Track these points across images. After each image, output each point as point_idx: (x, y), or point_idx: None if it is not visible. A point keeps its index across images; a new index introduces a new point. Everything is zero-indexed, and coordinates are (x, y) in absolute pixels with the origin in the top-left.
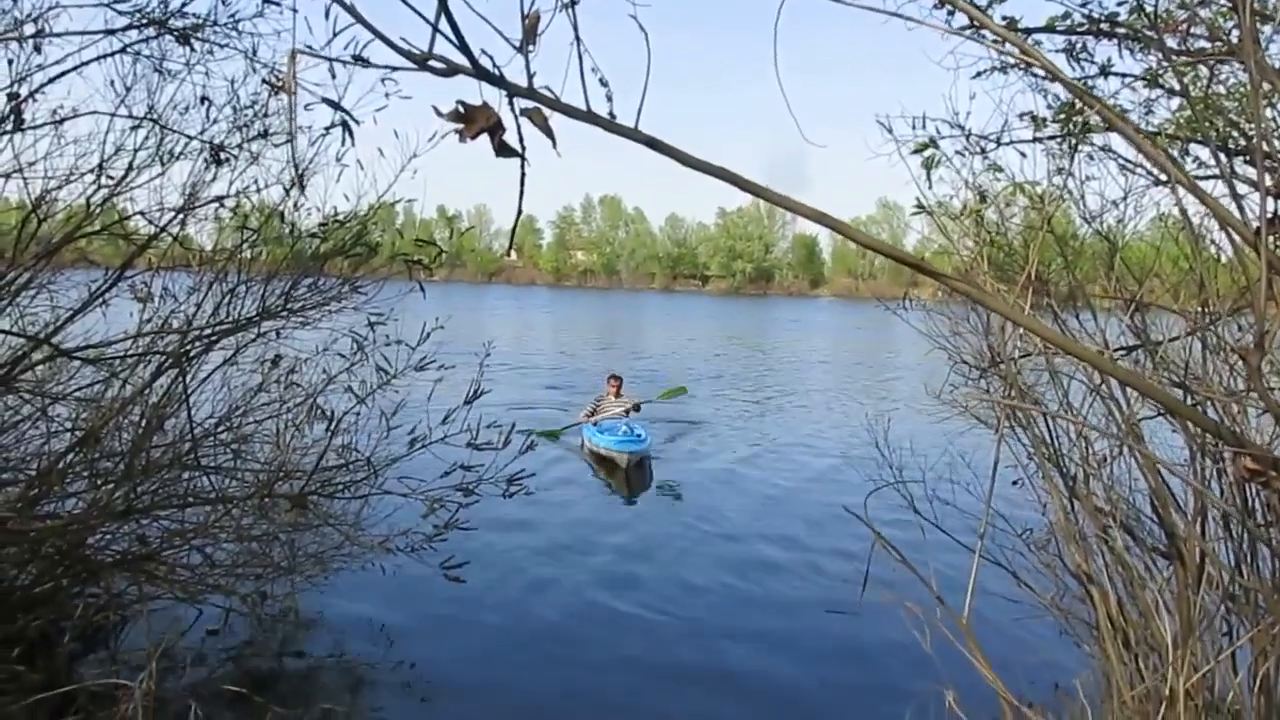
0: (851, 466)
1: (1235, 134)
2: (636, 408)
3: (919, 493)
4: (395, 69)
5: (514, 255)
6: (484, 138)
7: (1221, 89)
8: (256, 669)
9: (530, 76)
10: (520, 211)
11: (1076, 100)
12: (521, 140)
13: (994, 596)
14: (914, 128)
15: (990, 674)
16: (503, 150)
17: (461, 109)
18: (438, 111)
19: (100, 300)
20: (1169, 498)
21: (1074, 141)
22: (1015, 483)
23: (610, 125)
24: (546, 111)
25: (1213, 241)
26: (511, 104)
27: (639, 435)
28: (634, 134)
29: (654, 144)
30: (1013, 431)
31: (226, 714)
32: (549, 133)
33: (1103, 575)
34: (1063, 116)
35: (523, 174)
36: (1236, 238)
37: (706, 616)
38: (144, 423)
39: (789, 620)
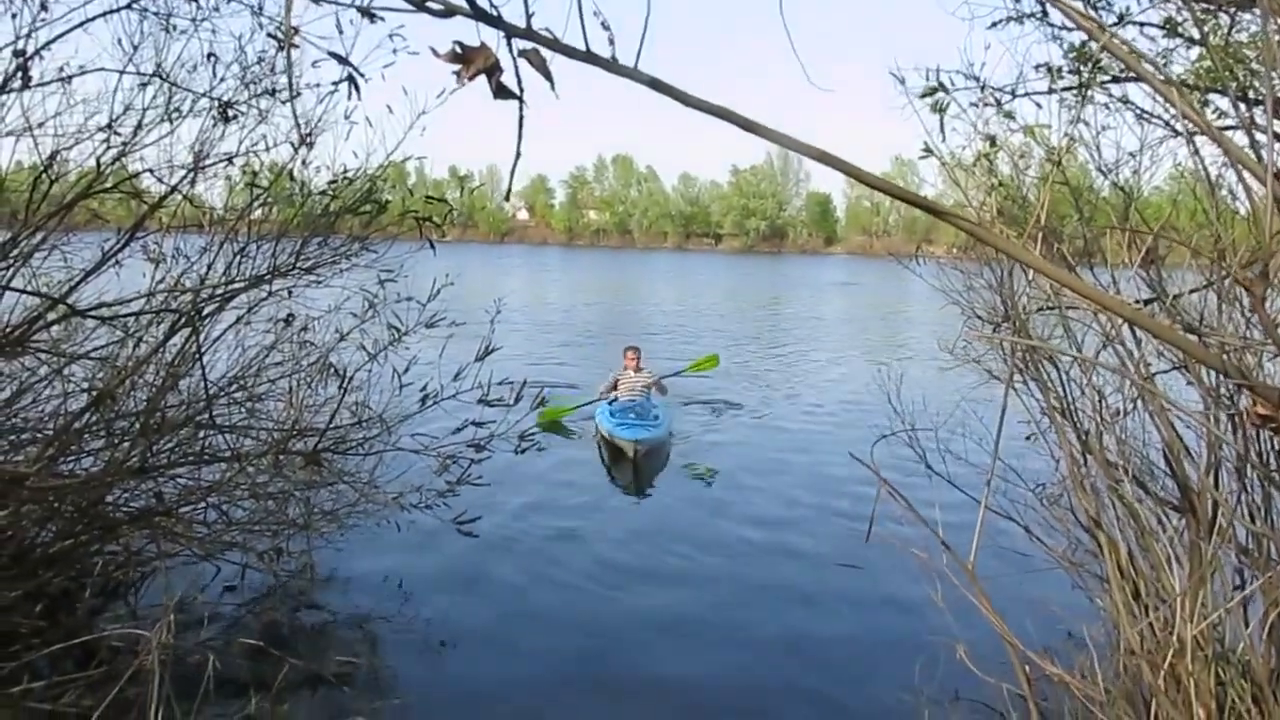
0: (864, 423)
1: (1256, 83)
2: (661, 388)
3: (931, 447)
4: (393, 10)
5: (513, 201)
6: (481, 80)
7: (1243, 36)
8: (273, 624)
9: (529, 17)
10: (519, 154)
11: (1093, 45)
12: (520, 82)
13: (1006, 551)
14: (927, 79)
15: (995, 618)
16: (500, 92)
17: (459, 50)
18: (435, 53)
19: (113, 261)
20: (1182, 450)
21: (1087, 85)
22: (1028, 438)
23: (610, 65)
24: (545, 53)
25: (1230, 193)
26: (509, 45)
27: (655, 417)
28: (634, 74)
29: (655, 84)
30: (1025, 386)
31: (244, 667)
32: (547, 74)
33: (1114, 528)
34: (1078, 64)
35: (520, 116)
36: (1254, 185)
37: (718, 570)
38: (159, 382)
39: (798, 574)
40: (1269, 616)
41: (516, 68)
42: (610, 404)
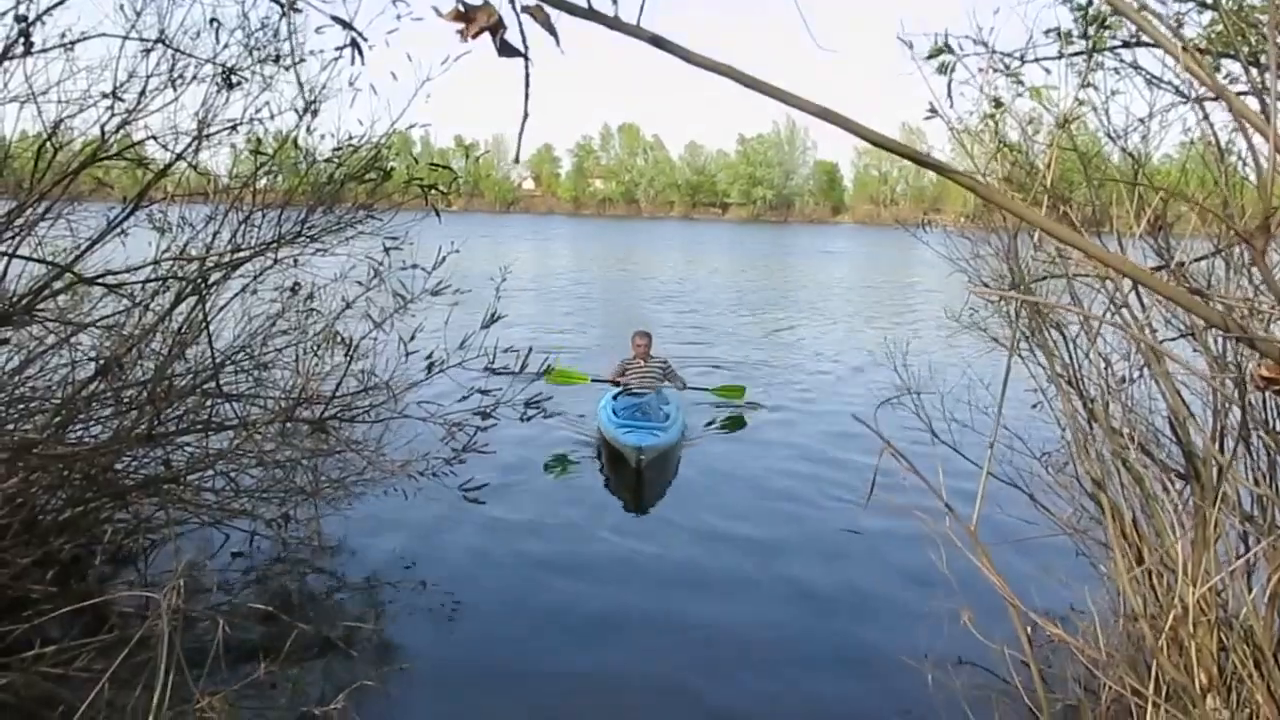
0: (868, 390)
1: (1267, 48)
2: (676, 379)
3: (935, 414)
4: None
5: (519, 171)
6: (486, 40)
7: (1256, 0)
8: (282, 589)
9: None
10: (527, 114)
11: (1103, 7)
12: (524, 40)
13: (1009, 518)
14: (935, 44)
15: (997, 579)
16: (505, 50)
17: (462, 8)
18: (438, 12)
19: (119, 229)
20: (1187, 416)
21: (1097, 49)
22: (1034, 405)
23: (613, 23)
24: (549, 9)
25: (1240, 159)
26: (512, 2)
27: (666, 417)
28: (636, 31)
29: (657, 41)
30: (1031, 354)
31: (253, 632)
32: (552, 30)
33: (1118, 495)
34: (1087, 27)
35: (526, 75)
36: (1261, 146)
37: (722, 535)
38: (166, 350)
39: (800, 540)
40: (1271, 581)
41: (520, 25)
42: (615, 398)
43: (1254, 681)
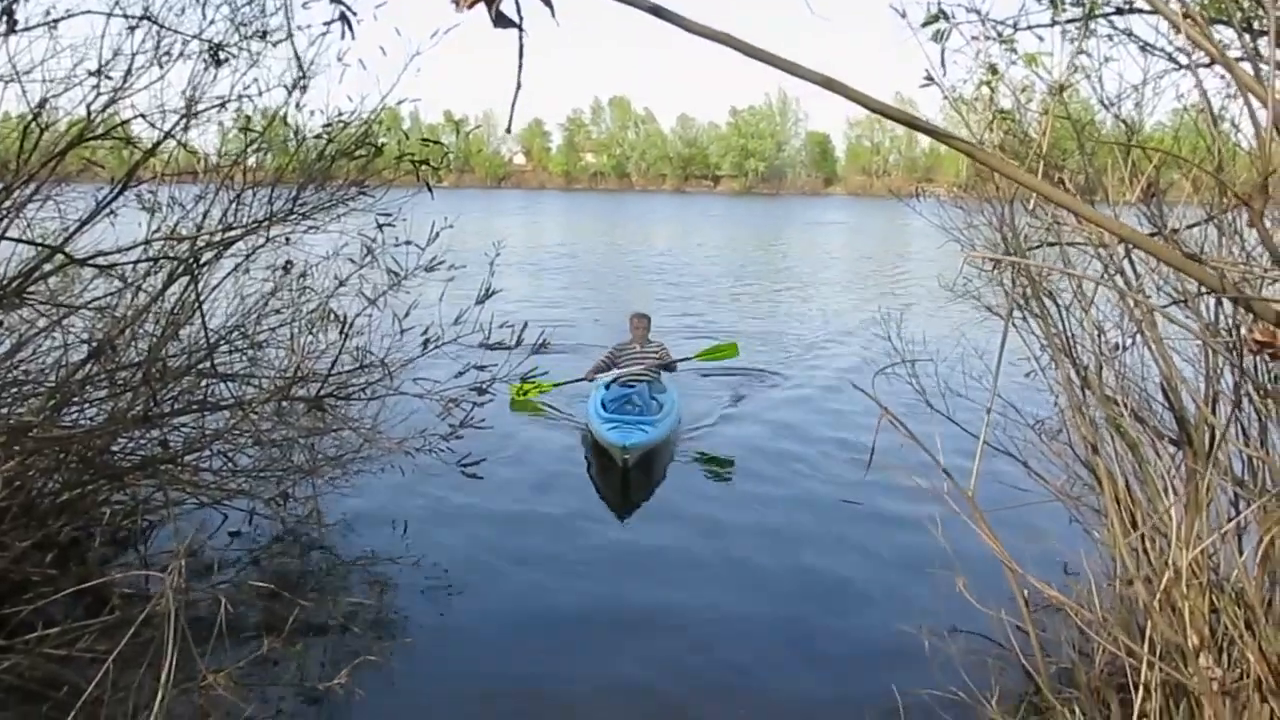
0: (864, 361)
1: (1260, 13)
2: (671, 366)
3: (930, 384)
4: None
5: (510, 145)
6: (480, 12)
7: None
8: (282, 568)
9: None
10: (519, 86)
11: None
12: (519, 9)
13: (1004, 486)
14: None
15: (994, 543)
16: (500, 21)
17: None
18: None
19: (108, 210)
20: (1180, 382)
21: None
22: (1028, 374)
23: None
24: None
25: (1233, 124)
26: None
27: (660, 408)
28: (636, 1)
29: (657, 11)
30: (1025, 323)
31: (255, 611)
32: (547, 1)
33: (1111, 461)
34: None
35: (520, 46)
36: (1256, 108)
37: (719, 502)
38: (159, 331)
39: (797, 510)
40: (1262, 543)
41: None
42: (607, 387)
43: (1245, 641)
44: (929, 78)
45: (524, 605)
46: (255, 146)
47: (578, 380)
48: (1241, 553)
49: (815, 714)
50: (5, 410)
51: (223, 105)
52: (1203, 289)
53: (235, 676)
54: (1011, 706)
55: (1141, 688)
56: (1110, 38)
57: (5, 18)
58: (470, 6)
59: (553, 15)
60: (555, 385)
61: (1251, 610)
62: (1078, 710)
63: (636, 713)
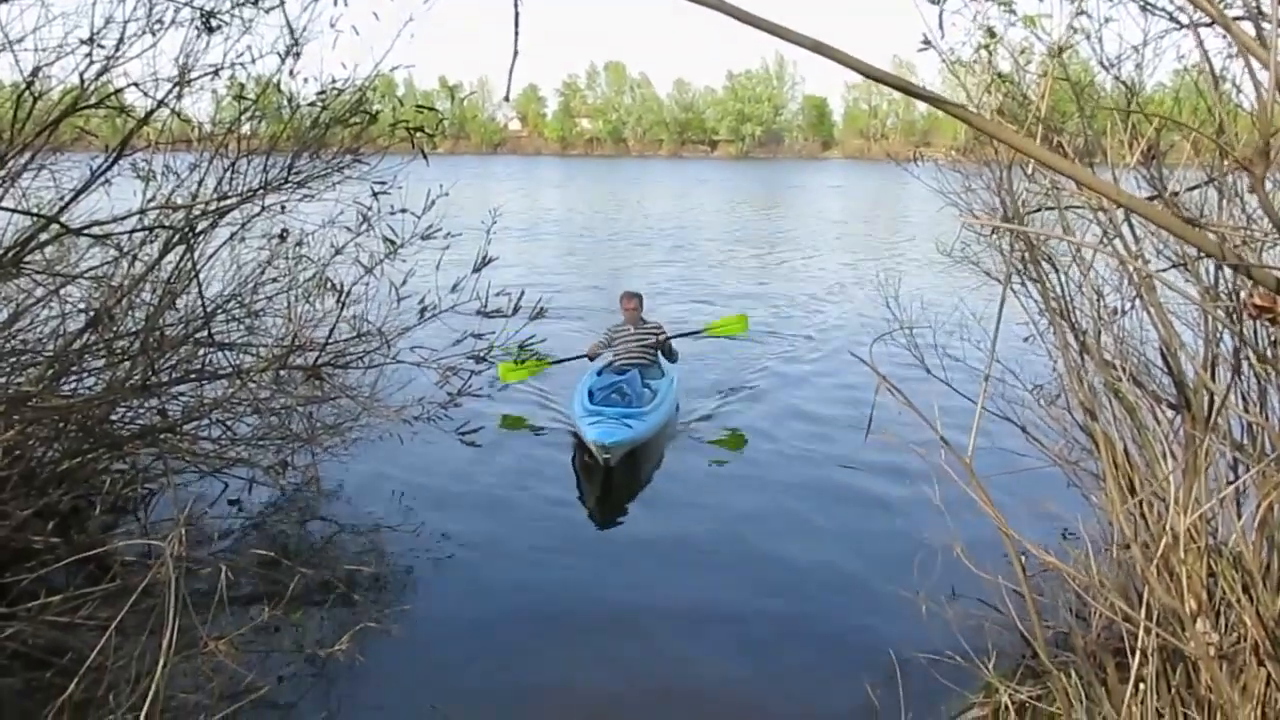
0: (862, 326)
1: None
2: (669, 350)
3: (929, 350)
4: None
5: (505, 111)
6: None
7: None
8: (282, 535)
9: None
10: (517, 52)
11: None
12: None
13: (1003, 452)
14: None
15: (991, 509)
16: None
17: None
18: None
19: (103, 179)
20: (1179, 346)
21: None
22: (1026, 339)
23: None
24: None
25: (1234, 86)
26: None
27: (651, 398)
28: None
29: None
30: (1024, 288)
31: (255, 578)
32: None
33: (1110, 426)
34: None
35: (516, 11)
36: (1258, 69)
37: (712, 478)
38: (156, 300)
39: (795, 479)
40: (1260, 508)
41: None
42: (599, 373)
43: (1242, 605)
44: (926, 41)
45: (523, 570)
46: (249, 115)
47: (579, 356)
48: (1240, 518)
49: (812, 677)
50: (4, 380)
51: (216, 73)
52: (1202, 254)
53: (236, 643)
54: (1008, 670)
55: (1138, 652)
56: None
57: None
58: None
59: None
60: (555, 362)
61: (1249, 575)
62: (1074, 674)
63: (635, 667)
